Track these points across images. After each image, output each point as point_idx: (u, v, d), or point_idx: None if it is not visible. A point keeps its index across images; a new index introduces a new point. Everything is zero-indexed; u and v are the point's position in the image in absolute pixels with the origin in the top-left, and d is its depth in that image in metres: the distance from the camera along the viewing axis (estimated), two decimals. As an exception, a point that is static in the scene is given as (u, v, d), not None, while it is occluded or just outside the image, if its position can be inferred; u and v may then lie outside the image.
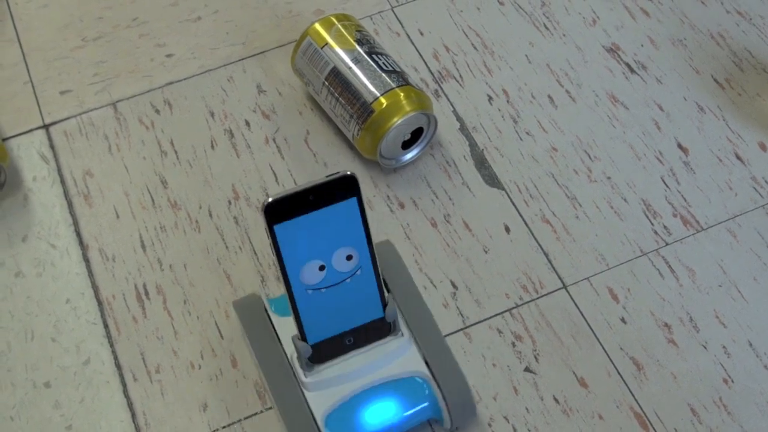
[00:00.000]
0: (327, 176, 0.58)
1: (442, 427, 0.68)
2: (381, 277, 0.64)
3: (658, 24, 0.89)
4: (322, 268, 0.62)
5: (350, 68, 0.78)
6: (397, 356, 0.65)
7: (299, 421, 0.63)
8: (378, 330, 0.65)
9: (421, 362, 0.66)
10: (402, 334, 0.66)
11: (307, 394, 0.64)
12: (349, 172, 0.59)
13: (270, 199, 0.57)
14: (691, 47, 0.87)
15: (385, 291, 0.65)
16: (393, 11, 0.91)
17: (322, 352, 0.65)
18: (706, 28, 0.88)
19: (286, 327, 0.66)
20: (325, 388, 0.64)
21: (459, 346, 0.72)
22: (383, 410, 0.64)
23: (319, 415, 0.63)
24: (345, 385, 0.65)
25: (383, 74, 0.78)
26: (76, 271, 0.77)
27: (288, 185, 0.80)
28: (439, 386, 0.65)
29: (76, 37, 0.91)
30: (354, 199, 0.59)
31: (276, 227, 0.58)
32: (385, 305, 0.65)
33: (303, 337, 0.63)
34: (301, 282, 0.61)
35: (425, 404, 0.65)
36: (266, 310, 0.68)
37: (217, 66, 0.88)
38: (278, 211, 0.58)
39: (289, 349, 0.66)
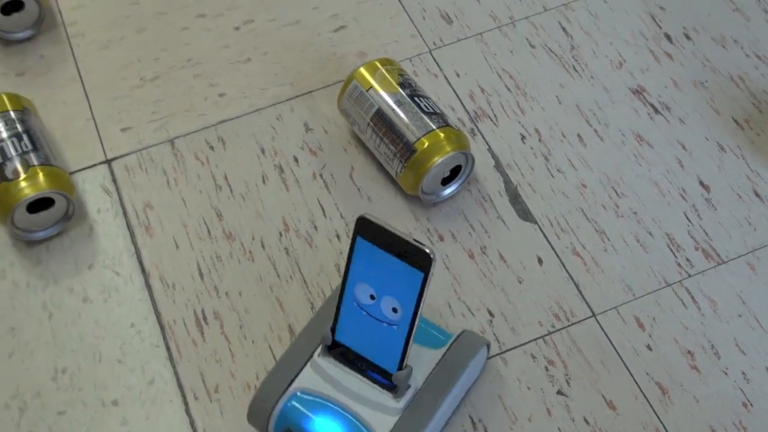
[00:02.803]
0: (415, 240, 0.66)
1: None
2: (410, 344, 0.69)
3: (681, 67, 0.95)
4: (372, 297, 0.68)
5: (394, 110, 0.84)
6: (378, 410, 0.71)
7: (283, 373, 0.72)
8: (385, 378, 0.71)
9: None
10: (399, 402, 0.70)
11: (306, 368, 0.73)
12: (429, 252, 0.65)
13: (365, 215, 0.67)
14: (712, 89, 0.93)
15: (406, 359, 0.70)
16: (431, 54, 0.97)
17: (338, 352, 0.72)
18: (726, 71, 0.94)
19: None
20: (318, 374, 0.72)
21: (495, 370, 0.78)
22: (327, 428, 0.71)
23: (295, 385, 0.72)
24: (329, 387, 0.72)
25: (424, 116, 0.84)
26: (139, 297, 0.83)
27: (335, 219, 0.86)
28: None
29: (135, 76, 0.97)
30: (421, 275, 0.66)
31: (358, 239, 0.67)
32: (400, 367, 0.70)
33: (333, 330, 0.72)
34: (353, 293, 0.69)
35: None
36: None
37: (267, 105, 0.94)
38: (365, 230, 0.67)
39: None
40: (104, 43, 1.00)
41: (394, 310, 0.68)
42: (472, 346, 0.74)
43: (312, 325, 0.75)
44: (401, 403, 0.70)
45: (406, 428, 0.70)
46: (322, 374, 0.72)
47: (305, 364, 0.73)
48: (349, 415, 0.70)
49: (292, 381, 0.72)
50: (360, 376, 0.72)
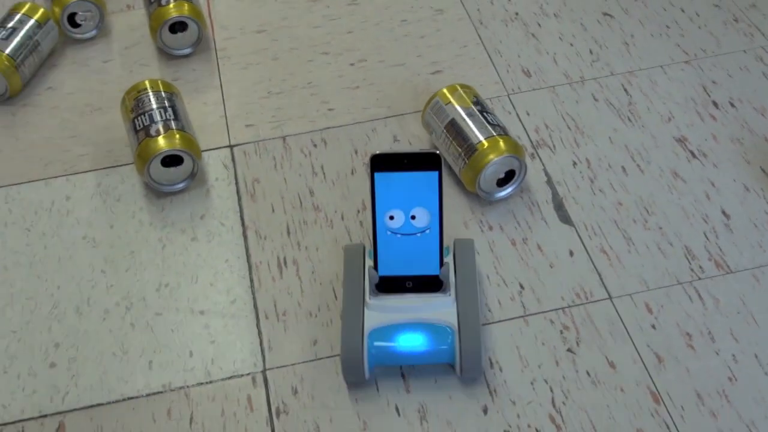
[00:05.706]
0: (420, 149, 0.81)
1: (454, 372, 0.87)
2: (443, 242, 0.85)
3: (722, 126, 1.09)
4: (401, 217, 0.85)
5: (464, 120, 1.02)
6: (439, 308, 0.86)
7: (352, 326, 0.85)
8: (432, 284, 0.86)
9: (455, 318, 0.85)
10: (449, 295, 0.86)
11: (366, 312, 0.86)
12: (436, 151, 0.82)
13: (376, 152, 0.82)
14: (747, 145, 1.07)
15: (444, 255, 0.86)
16: (509, 97, 1.15)
17: (387, 284, 0.87)
18: (762, 133, 1.08)
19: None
20: (379, 311, 0.86)
21: (517, 328, 0.91)
22: (412, 340, 0.85)
23: (367, 328, 0.85)
24: (394, 314, 0.86)
25: (489, 126, 1.01)
26: (236, 243, 1.01)
27: (405, 204, 1.03)
28: (459, 339, 0.84)
29: (264, 90, 1.19)
30: (436, 173, 0.82)
31: (376, 175, 0.83)
32: (441, 266, 0.85)
33: (376, 267, 0.86)
34: (385, 224, 0.85)
35: (444, 347, 0.85)
36: (363, 255, 0.91)
37: (366, 120, 1.14)
38: (380, 163, 0.83)
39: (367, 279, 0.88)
40: (245, 65, 1.23)
41: (422, 216, 0.84)
42: (469, 247, 0.90)
43: (348, 284, 0.89)
44: (451, 295, 0.86)
45: (467, 310, 0.85)
46: (381, 309, 0.86)
47: (363, 310, 0.87)
48: (421, 323, 0.85)
49: (363, 329, 0.85)
50: (410, 294, 0.86)
